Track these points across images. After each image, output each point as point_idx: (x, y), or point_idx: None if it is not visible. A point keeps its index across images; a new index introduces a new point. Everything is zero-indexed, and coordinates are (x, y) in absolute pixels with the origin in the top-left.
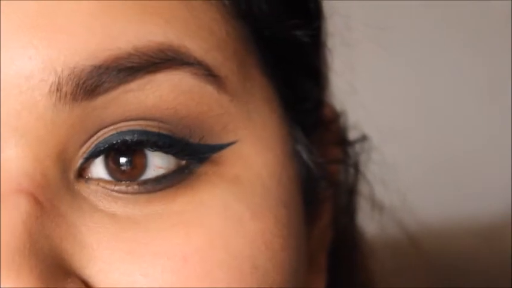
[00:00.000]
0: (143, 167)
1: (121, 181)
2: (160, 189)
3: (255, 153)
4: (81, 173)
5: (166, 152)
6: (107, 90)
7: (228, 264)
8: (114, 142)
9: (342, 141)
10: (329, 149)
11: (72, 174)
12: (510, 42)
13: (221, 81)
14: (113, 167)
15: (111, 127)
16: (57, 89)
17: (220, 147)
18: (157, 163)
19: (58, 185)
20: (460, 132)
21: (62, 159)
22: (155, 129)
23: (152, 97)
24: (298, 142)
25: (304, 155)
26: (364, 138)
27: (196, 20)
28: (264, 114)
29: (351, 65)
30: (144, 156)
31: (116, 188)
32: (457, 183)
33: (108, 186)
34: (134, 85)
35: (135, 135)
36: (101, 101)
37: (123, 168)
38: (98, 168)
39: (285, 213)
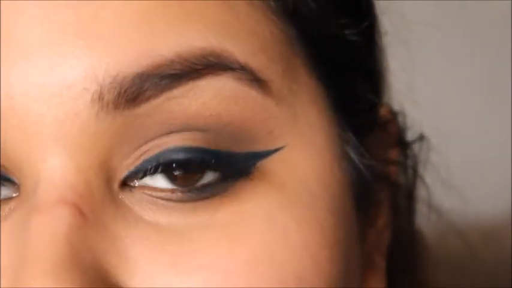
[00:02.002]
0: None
1: (166, 188)
2: (205, 198)
3: (302, 158)
4: (126, 181)
5: (214, 170)
6: (149, 98)
7: (271, 278)
8: (162, 161)
9: (400, 142)
10: (386, 150)
11: (116, 184)
12: (510, 42)
13: (266, 85)
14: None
15: (156, 141)
16: (100, 98)
17: (267, 154)
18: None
19: (102, 196)
20: (459, 132)
21: (106, 169)
22: (201, 144)
23: (195, 104)
24: (349, 144)
25: (356, 158)
26: (421, 138)
27: (239, 22)
28: (312, 116)
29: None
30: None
31: (161, 194)
32: (456, 183)
33: (153, 193)
34: (177, 92)
35: (182, 154)
36: (143, 108)
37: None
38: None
39: (332, 221)
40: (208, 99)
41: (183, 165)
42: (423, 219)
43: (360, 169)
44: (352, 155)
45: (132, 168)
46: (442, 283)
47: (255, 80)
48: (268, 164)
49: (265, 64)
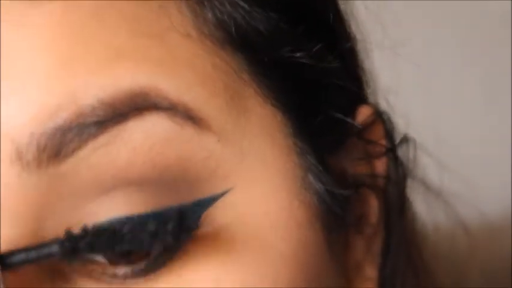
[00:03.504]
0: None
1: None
2: (150, 272)
3: (251, 202)
4: None
5: (156, 236)
6: (73, 151)
7: None
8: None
9: (387, 142)
10: (368, 161)
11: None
12: (510, 42)
13: (203, 122)
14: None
15: (90, 208)
16: (19, 158)
17: (211, 200)
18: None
19: (37, 272)
20: (459, 131)
21: (40, 239)
22: (138, 208)
23: (124, 151)
24: (311, 172)
25: (320, 186)
26: (405, 139)
27: (173, 57)
28: (264, 151)
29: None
30: None
31: (103, 270)
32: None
33: (95, 267)
34: (103, 139)
35: (126, 227)
36: (69, 164)
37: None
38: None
39: (289, 273)
40: (138, 144)
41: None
42: (423, 219)
43: (326, 198)
44: (316, 184)
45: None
46: (442, 283)
47: (189, 118)
48: (215, 213)
49: (204, 99)
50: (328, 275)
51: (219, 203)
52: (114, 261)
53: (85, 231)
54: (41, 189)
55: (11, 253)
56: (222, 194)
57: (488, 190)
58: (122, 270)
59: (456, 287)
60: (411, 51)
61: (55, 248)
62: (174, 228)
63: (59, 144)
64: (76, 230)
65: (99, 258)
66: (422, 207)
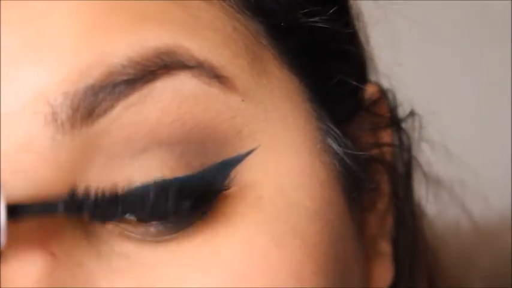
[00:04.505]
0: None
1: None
2: (179, 230)
3: (276, 161)
4: None
5: (188, 199)
6: (106, 110)
7: None
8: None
9: (392, 121)
10: (376, 132)
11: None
12: (510, 42)
13: (228, 81)
14: None
15: (123, 170)
16: (53, 119)
17: (238, 159)
18: None
19: (71, 232)
20: (459, 131)
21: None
22: (171, 171)
23: (154, 110)
24: (330, 136)
25: (339, 150)
26: (412, 114)
27: (195, 19)
28: (285, 112)
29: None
30: None
31: (134, 230)
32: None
33: (126, 226)
34: (134, 99)
35: (152, 192)
36: (102, 124)
37: None
38: None
39: (315, 230)
40: (167, 103)
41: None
42: (437, 219)
43: (346, 161)
44: (335, 147)
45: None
46: (441, 283)
47: (215, 76)
48: (242, 172)
49: (228, 59)
50: (351, 240)
51: (245, 162)
52: (145, 219)
53: (88, 194)
54: (75, 152)
55: (17, 206)
56: (248, 153)
57: (488, 190)
58: (151, 227)
59: (456, 287)
60: (411, 51)
61: (60, 206)
62: (202, 191)
63: (92, 104)
64: (81, 191)
65: (131, 216)
66: (433, 208)
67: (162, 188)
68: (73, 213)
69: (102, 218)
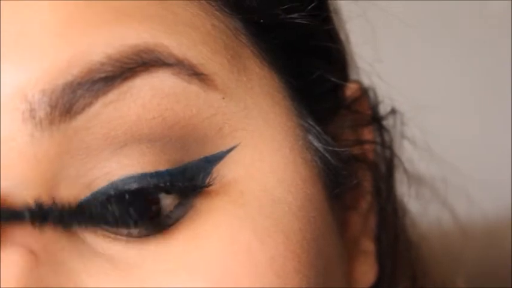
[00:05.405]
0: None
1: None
2: (162, 229)
3: (258, 158)
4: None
5: (169, 193)
6: (84, 107)
7: None
8: (112, 193)
9: (373, 119)
10: (357, 130)
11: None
12: (510, 42)
13: (208, 78)
14: None
15: (102, 166)
16: (31, 116)
17: (220, 156)
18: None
19: (52, 230)
20: (459, 131)
21: (59, 199)
22: (151, 165)
23: (134, 107)
24: (311, 133)
25: (320, 147)
26: (393, 112)
27: (175, 16)
28: (266, 109)
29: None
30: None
31: (116, 230)
32: (456, 183)
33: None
34: (112, 96)
35: (134, 184)
36: (80, 121)
37: None
38: None
39: (298, 227)
40: (147, 100)
41: (136, 195)
42: (422, 219)
43: (327, 158)
44: (316, 144)
45: (81, 200)
46: (441, 283)
47: (194, 74)
48: (223, 169)
49: (207, 56)
50: (332, 237)
51: (227, 159)
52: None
53: (55, 204)
54: (53, 148)
55: None
56: (229, 150)
57: (488, 190)
58: (136, 230)
59: (456, 287)
60: (411, 51)
61: (27, 214)
62: (183, 186)
63: (70, 101)
64: (48, 202)
65: (102, 225)
66: (418, 207)
67: (150, 176)
68: (39, 222)
69: (68, 227)
